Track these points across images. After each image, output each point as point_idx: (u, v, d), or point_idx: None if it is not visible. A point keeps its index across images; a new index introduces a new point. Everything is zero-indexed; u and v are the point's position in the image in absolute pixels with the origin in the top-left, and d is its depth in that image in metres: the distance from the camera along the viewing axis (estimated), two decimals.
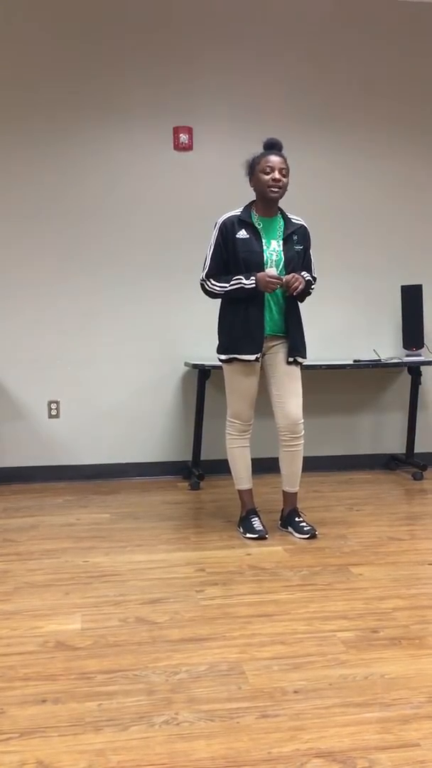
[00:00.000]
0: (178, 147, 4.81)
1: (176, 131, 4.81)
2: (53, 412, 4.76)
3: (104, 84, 4.72)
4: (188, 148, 4.82)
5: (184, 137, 4.81)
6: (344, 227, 5.00)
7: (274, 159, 3.31)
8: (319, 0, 4.91)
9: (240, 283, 3.30)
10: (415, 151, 5.07)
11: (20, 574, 2.97)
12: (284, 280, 3.27)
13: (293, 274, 3.30)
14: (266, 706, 1.93)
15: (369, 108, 5.00)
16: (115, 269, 4.79)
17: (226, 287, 3.34)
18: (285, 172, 3.32)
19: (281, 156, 3.33)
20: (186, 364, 4.75)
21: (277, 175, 3.29)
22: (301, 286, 3.30)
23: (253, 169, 3.34)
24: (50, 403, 4.76)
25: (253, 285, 3.28)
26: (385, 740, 1.77)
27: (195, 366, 4.51)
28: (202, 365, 4.44)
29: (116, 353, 4.81)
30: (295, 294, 3.33)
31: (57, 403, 4.77)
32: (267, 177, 3.29)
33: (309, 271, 3.50)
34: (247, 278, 3.29)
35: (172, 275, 4.83)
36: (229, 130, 4.83)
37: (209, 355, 4.61)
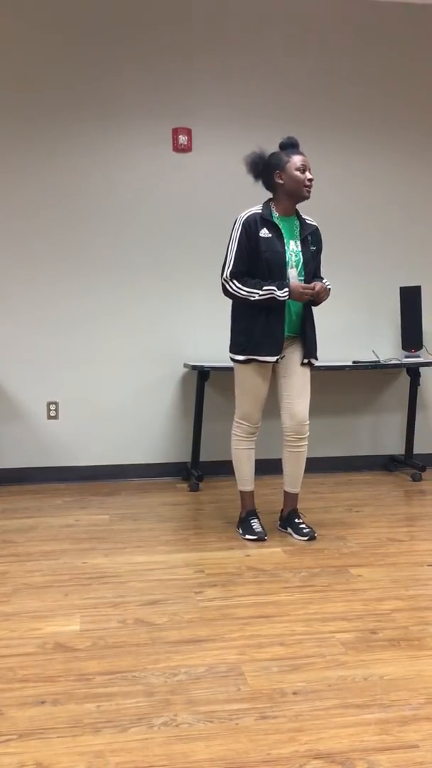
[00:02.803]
0: (177, 148, 4.82)
1: (175, 133, 4.81)
2: (52, 413, 4.76)
3: (103, 85, 4.72)
4: (187, 149, 4.83)
5: (183, 139, 4.81)
6: (343, 229, 5.00)
7: (303, 158, 3.32)
8: (319, 2, 4.92)
9: (272, 293, 3.27)
10: (415, 152, 5.08)
11: (19, 576, 2.97)
12: (315, 290, 3.29)
13: (323, 285, 3.33)
14: (265, 707, 1.93)
15: (368, 109, 5.01)
16: (114, 270, 4.79)
17: (255, 296, 3.28)
18: (311, 170, 3.34)
19: (304, 155, 3.34)
20: (185, 365, 4.75)
21: (310, 174, 3.31)
22: (326, 298, 3.37)
23: (283, 167, 3.30)
24: (49, 404, 4.76)
25: (287, 297, 3.27)
26: (385, 741, 1.76)
27: (194, 367, 4.51)
28: (202, 366, 4.44)
29: (115, 354, 4.81)
30: (317, 303, 3.38)
31: (56, 404, 4.77)
32: (302, 176, 3.29)
33: (318, 272, 3.52)
34: (280, 288, 3.26)
35: (171, 276, 4.83)
36: (229, 132, 4.84)
37: (209, 357, 4.62)
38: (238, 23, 4.84)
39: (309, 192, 3.32)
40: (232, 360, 3.45)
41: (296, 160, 3.30)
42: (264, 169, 3.35)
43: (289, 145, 3.36)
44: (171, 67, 4.78)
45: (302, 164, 3.30)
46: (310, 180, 3.30)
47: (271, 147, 3.42)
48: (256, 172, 3.37)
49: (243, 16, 4.84)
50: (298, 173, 3.29)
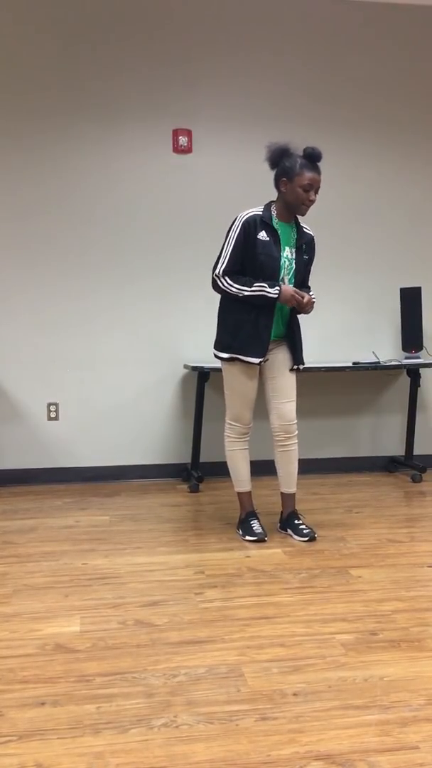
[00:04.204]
0: (178, 149, 4.82)
1: (175, 134, 4.81)
2: (52, 414, 4.76)
3: (103, 86, 4.73)
4: (187, 150, 4.83)
5: (183, 140, 4.81)
6: (343, 229, 5.00)
7: (315, 178, 3.26)
8: (319, 2, 4.92)
9: (263, 290, 3.27)
10: (415, 152, 5.08)
11: (19, 577, 2.97)
12: (303, 300, 3.29)
13: (310, 297, 3.33)
14: (265, 708, 1.93)
15: (368, 110, 5.01)
16: (115, 271, 4.80)
17: (244, 291, 3.30)
18: (318, 190, 3.31)
19: (319, 173, 3.29)
20: (185, 366, 4.75)
21: (313, 196, 3.28)
22: (310, 311, 3.37)
23: (291, 178, 3.26)
24: (49, 405, 4.76)
25: (277, 295, 3.27)
26: (385, 743, 1.76)
27: (194, 368, 4.51)
28: (202, 367, 4.44)
29: (115, 355, 4.81)
30: (301, 312, 3.39)
31: (56, 405, 4.77)
32: (305, 195, 3.26)
33: (307, 280, 3.53)
34: (272, 287, 3.27)
35: (171, 277, 4.84)
36: (229, 133, 4.84)
37: (208, 357, 4.61)
38: (239, 24, 4.84)
39: (306, 210, 3.32)
40: (216, 356, 3.46)
41: (305, 177, 3.24)
42: (278, 166, 3.33)
43: (312, 158, 3.28)
44: (171, 68, 4.78)
45: (309, 183, 3.25)
46: (311, 200, 3.29)
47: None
48: (272, 164, 3.35)
49: (243, 17, 4.84)
50: (300, 191, 3.26)
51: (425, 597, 2.71)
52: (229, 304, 3.42)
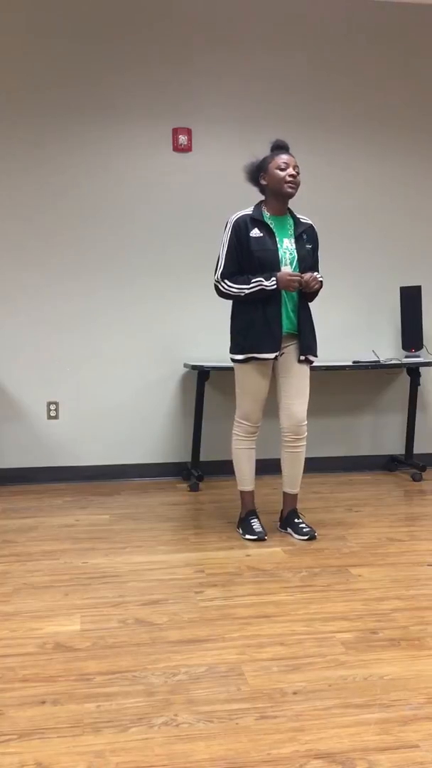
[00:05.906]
0: (178, 148, 4.82)
1: (175, 132, 4.81)
2: (52, 413, 4.76)
3: (104, 85, 4.72)
4: (187, 149, 4.83)
5: (183, 138, 4.81)
6: (344, 228, 5.00)
7: (287, 157, 3.34)
8: (318, 2, 4.92)
9: (261, 284, 3.28)
10: (414, 152, 5.08)
11: (19, 575, 2.97)
12: (304, 278, 3.27)
13: (311, 273, 3.31)
14: (265, 707, 1.93)
15: (368, 109, 5.01)
16: (115, 270, 4.79)
17: (244, 290, 3.31)
18: (298, 170, 3.34)
19: (292, 156, 3.36)
20: (185, 365, 4.75)
21: (292, 171, 3.31)
22: (317, 286, 3.34)
23: (265, 168, 3.34)
24: (49, 404, 4.76)
25: (275, 286, 3.28)
26: (385, 741, 1.76)
27: (194, 367, 4.51)
28: (202, 366, 4.44)
29: (115, 354, 4.81)
30: (310, 293, 3.36)
31: (56, 404, 4.77)
32: (283, 173, 3.29)
33: (317, 270, 3.51)
34: (268, 279, 3.27)
35: (171, 276, 4.83)
36: (229, 132, 4.84)
37: (209, 357, 4.63)
38: (239, 23, 4.84)
39: (292, 188, 3.32)
40: (233, 360, 3.45)
41: (278, 159, 3.32)
42: (254, 174, 3.40)
43: (277, 147, 3.39)
44: (171, 68, 4.78)
45: (284, 163, 3.31)
46: (292, 176, 3.30)
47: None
48: (253, 180, 3.41)
49: (243, 17, 4.84)
50: (278, 171, 3.30)
51: (425, 596, 2.71)
52: (237, 307, 3.43)
